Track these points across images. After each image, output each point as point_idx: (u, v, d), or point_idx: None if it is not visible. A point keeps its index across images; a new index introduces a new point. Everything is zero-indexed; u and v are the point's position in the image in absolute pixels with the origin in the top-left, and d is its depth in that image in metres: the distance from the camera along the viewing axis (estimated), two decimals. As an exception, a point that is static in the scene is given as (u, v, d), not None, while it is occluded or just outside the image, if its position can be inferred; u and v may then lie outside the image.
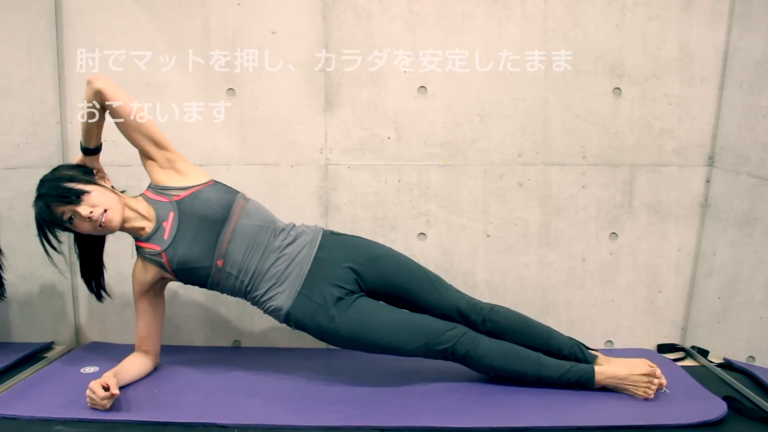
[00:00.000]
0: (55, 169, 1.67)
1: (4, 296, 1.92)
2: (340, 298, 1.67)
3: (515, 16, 2.01)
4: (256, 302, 1.73)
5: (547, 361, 1.68)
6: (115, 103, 1.64)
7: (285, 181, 2.07)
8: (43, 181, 1.62)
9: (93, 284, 1.80)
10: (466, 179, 2.08)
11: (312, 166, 2.07)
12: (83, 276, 1.79)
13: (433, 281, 1.77)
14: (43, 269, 2.04)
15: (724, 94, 2.01)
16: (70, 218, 1.59)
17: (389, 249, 1.81)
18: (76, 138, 2.02)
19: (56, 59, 2.01)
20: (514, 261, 2.11)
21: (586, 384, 1.65)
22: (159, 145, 1.71)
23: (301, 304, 1.67)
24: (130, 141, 1.71)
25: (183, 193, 1.69)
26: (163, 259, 1.67)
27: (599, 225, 2.09)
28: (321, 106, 2.05)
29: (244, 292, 1.71)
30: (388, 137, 2.06)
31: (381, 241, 2.07)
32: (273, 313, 1.71)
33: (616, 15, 2.00)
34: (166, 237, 1.67)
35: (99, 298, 1.82)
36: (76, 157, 1.75)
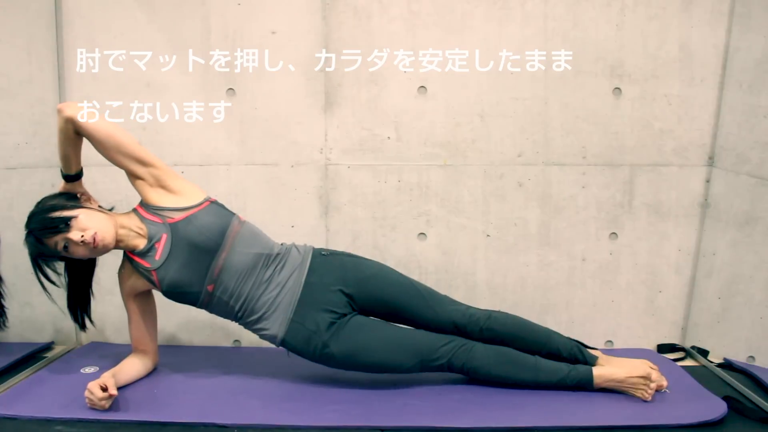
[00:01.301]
0: (39, 202, 1.63)
1: (5, 325, 1.92)
2: (332, 323, 1.66)
3: (515, 16, 2.01)
4: (249, 328, 1.72)
5: (544, 366, 1.68)
6: (88, 128, 1.58)
7: (285, 181, 2.07)
8: (31, 216, 1.60)
9: (79, 312, 1.77)
10: (466, 179, 2.08)
11: (312, 166, 2.07)
12: (69, 305, 1.76)
13: (426, 298, 1.75)
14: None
15: (724, 94, 2.01)
16: (65, 246, 1.57)
17: (380, 267, 1.78)
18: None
19: (56, 59, 2.01)
20: (514, 261, 2.11)
21: (584, 387, 1.66)
22: (143, 162, 1.65)
23: (296, 332, 1.66)
24: (114, 163, 1.66)
25: (177, 216, 1.64)
26: (154, 278, 1.65)
27: (599, 225, 2.09)
28: (321, 106, 2.05)
29: (235, 316, 1.71)
30: (388, 137, 2.06)
31: (381, 241, 2.07)
32: (268, 340, 1.71)
33: (616, 15, 2.00)
34: (157, 258, 1.64)
35: (83, 327, 1.79)
36: (59, 185, 1.71)
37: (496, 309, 1.81)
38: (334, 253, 1.78)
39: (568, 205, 2.08)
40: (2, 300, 1.91)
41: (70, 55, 2.00)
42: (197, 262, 1.64)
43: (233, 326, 2.13)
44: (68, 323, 2.11)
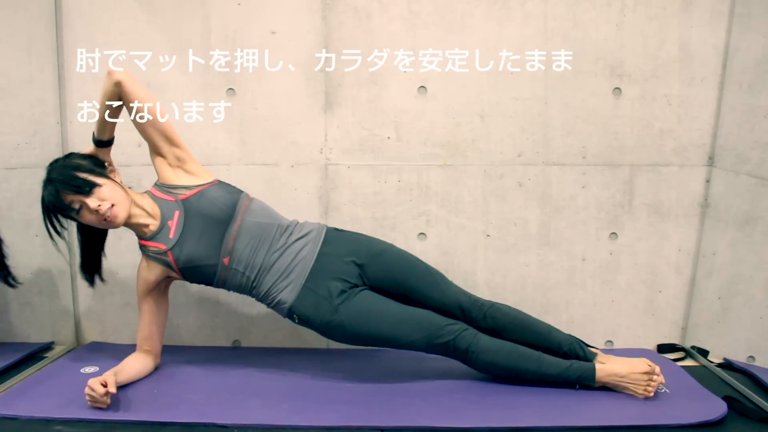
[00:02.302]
0: (67, 156, 1.67)
1: (17, 283, 1.90)
2: (343, 291, 1.68)
3: (515, 16, 2.01)
4: (261, 297, 1.74)
5: (547, 358, 1.68)
6: (133, 97, 1.64)
7: (285, 181, 2.07)
8: (56, 166, 1.61)
9: (91, 273, 1.80)
10: (466, 179, 2.08)
11: (312, 166, 2.07)
12: (83, 266, 1.78)
13: (435, 277, 1.78)
14: (43, 269, 2.04)
15: (724, 94, 2.01)
16: (79, 208, 1.59)
17: (392, 245, 1.83)
18: (76, 138, 2.03)
19: (56, 59, 2.01)
20: (514, 261, 2.11)
21: (586, 381, 1.66)
22: (171, 142, 1.72)
23: (306, 297, 1.68)
24: (143, 135, 1.72)
25: (188, 192, 1.70)
26: (170, 258, 1.67)
27: (599, 225, 2.09)
28: (321, 106, 2.05)
29: (250, 287, 1.72)
30: (388, 137, 2.06)
31: (381, 241, 2.07)
32: (277, 306, 1.72)
33: (616, 15, 2.00)
34: (171, 236, 1.67)
35: (91, 283, 1.81)
36: (87, 147, 1.74)
37: (497, 308, 1.80)
38: (347, 230, 1.84)
39: (568, 205, 2.08)
40: (6, 260, 1.89)
41: (70, 55, 2.00)
42: (211, 234, 1.67)
43: (233, 326, 2.13)
44: (68, 323, 2.12)
